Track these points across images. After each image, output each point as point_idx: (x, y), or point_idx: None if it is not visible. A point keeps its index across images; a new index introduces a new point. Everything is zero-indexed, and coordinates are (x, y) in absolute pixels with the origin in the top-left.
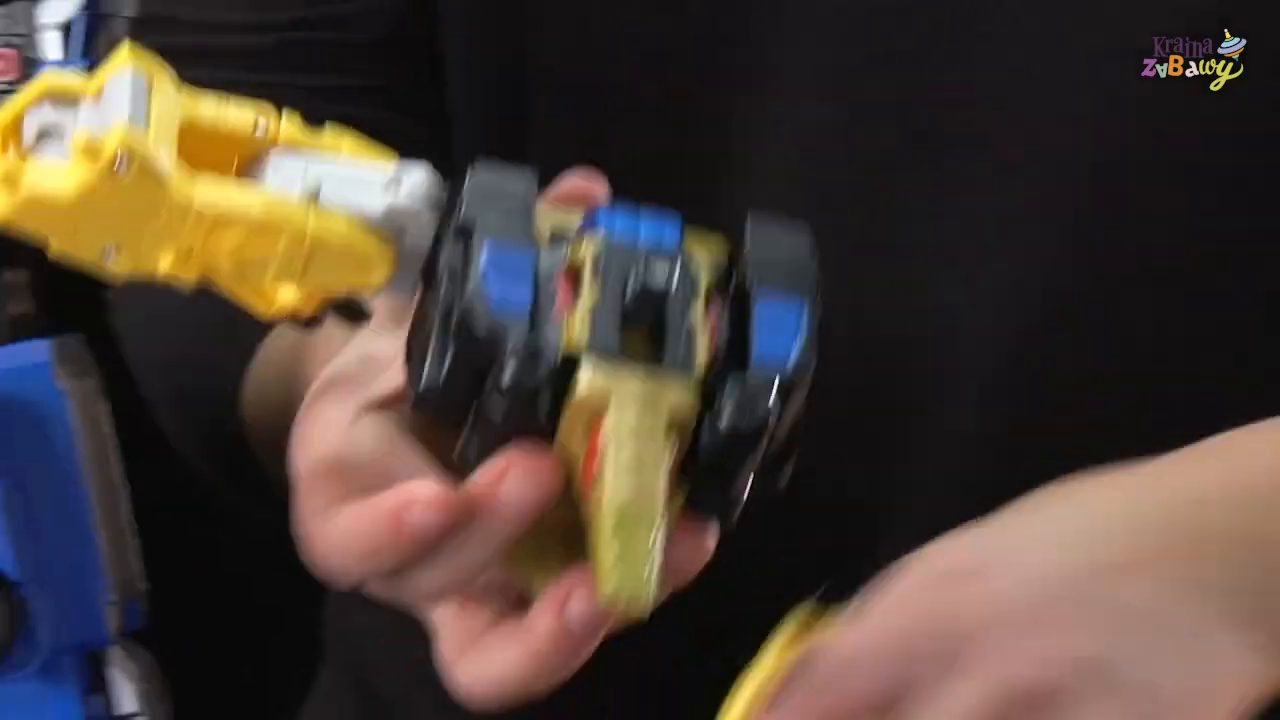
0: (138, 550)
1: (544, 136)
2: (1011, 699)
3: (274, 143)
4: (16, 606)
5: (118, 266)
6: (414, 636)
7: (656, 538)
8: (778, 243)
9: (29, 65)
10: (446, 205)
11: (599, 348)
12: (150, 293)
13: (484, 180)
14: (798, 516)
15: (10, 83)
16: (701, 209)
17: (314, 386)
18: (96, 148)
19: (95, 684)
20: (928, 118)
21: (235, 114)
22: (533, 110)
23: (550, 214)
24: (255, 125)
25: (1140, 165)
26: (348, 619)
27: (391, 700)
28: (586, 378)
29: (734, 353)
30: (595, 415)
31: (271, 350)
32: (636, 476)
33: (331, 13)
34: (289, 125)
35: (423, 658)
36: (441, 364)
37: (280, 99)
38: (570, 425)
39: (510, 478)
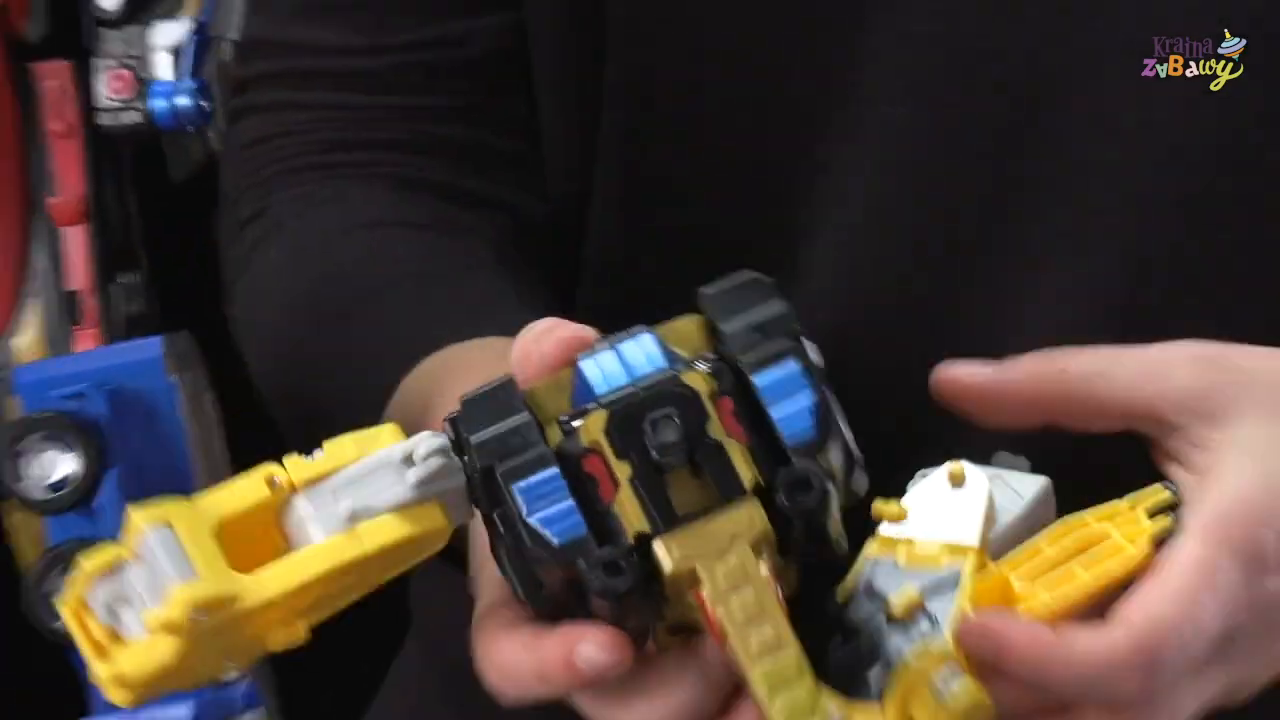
0: None
1: (627, 140)
2: None
3: (293, 490)
4: None
5: (239, 666)
6: None
7: (801, 667)
8: (735, 302)
9: (143, 85)
10: (457, 442)
11: (659, 523)
12: (273, 321)
13: (475, 408)
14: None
15: (126, 101)
16: (781, 217)
17: None
18: (171, 620)
19: None
20: (1006, 122)
21: (248, 493)
22: (616, 113)
23: (546, 393)
24: (269, 486)
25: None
26: (432, 592)
27: (474, 674)
28: (666, 560)
29: (762, 438)
30: (691, 581)
31: (405, 394)
32: (756, 624)
33: (446, 32)
34: (295, 469)
35: None
36: (537, 587)
37: (383, 123)
38: (673, 594)
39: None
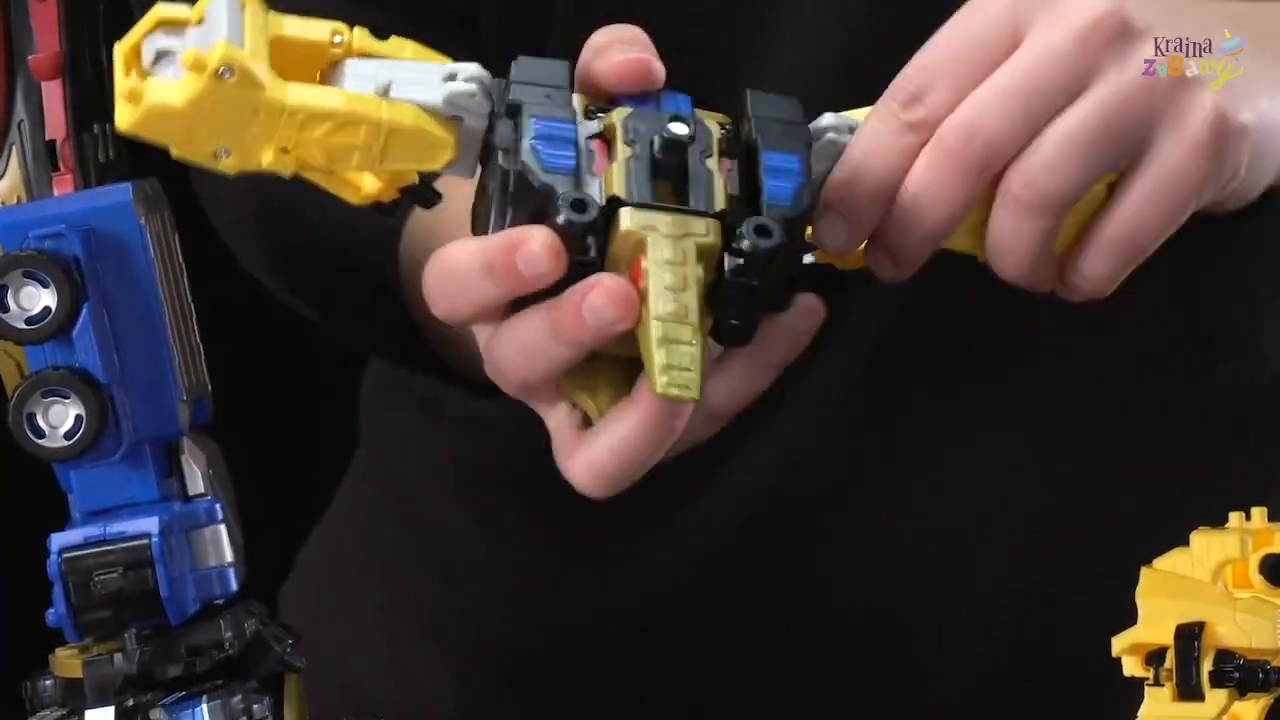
0: (203, 357)
1: (563, 27)
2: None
3: (348, 53)
4: (104, 404)
5: (227, 165)
6: (438, 432)
7: (695, 340)
8: (775, 107)
9: None
10: (497, 92)
11: (635, 194)
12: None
13: (527, 68)
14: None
15: None
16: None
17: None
18: (203, 61)
19: (170, 469)
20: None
21: (315, 29)
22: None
23: (584, 97)
24: (332, 37)
25: None
26: (379, 410)
27: (413, 490)
28: (627, 218)
29: (745, 197)
30: (636, 250)
31: (412, 232)
32: (675, 295)
33: None
34: (360, 37)
35: (444, 454)
36: (504, 220)
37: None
38: (615, 259)
39: (595, 294)
